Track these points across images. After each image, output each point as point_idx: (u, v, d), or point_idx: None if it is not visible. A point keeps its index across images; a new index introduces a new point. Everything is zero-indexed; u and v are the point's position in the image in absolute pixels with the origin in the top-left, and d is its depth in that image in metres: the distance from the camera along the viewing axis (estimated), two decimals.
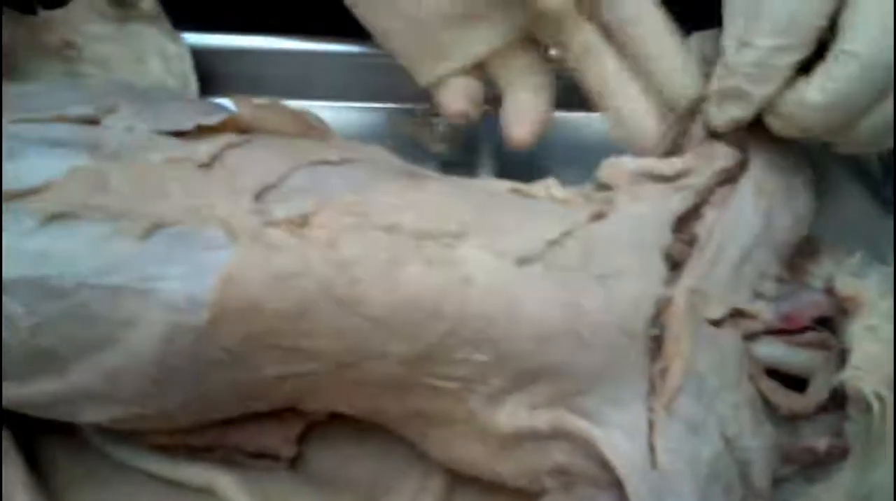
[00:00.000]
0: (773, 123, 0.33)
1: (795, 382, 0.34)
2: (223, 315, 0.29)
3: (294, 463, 0.36)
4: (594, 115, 0.38)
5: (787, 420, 0.34)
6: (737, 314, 0.33)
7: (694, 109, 0.35)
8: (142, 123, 0.32)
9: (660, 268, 0.31)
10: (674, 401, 0.31)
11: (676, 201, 0.34)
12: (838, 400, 0.33)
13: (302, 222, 0.29)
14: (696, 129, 0.36)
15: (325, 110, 0.46)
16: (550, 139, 0.42)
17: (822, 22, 0.30)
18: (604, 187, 0.36)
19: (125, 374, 0.30)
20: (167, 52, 0.44)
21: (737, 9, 0.32)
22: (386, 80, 0.46)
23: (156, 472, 0.35)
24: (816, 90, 0.30)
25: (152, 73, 0.44)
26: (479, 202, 0.31)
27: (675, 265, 0.33)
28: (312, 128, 0.34)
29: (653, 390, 0.31)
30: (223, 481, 0.34)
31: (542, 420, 0.31)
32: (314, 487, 0.35)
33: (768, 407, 0.33)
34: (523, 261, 0.30)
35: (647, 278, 0.31)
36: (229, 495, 0.34)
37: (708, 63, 0.35)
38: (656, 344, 0.32)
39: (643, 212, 0.33)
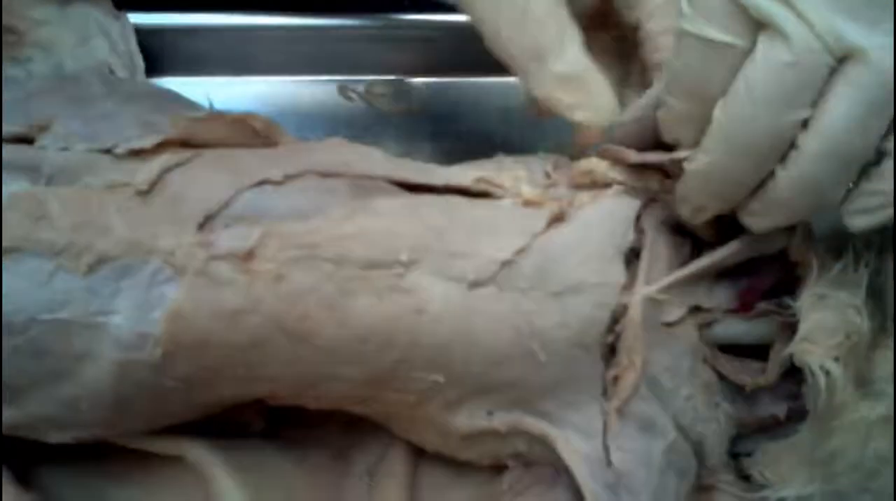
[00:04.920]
0: None
1: (760, 348, 0.34)
2: (174, 350, 0.29)
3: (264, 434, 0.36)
4: None
5: (748, 391, 0.34)
6: (694, 309, 0.33)
7: None
8: (77, 142, 0.31)
9: (618, 275, 0.31)
10: (626, 405, 0.31)
11: (637, 196, 0.33)
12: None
13: (248, 256, 0.29)
14: None
15: (274, 85, 0.46)
16: None
17: None
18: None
19: (83, 403, 0.30)
20: (111, 33, 0.43)
21: None
22: (334, 51, 0.46)
23: (128, 445, 0.34)
24: None
25: (97, 53, 0.42)
26: (431, 222, 0.30)
27: (637, 254, 0.32)
28: (256, 135, 0.33)
29: (607, 393, 0.32)
30: (195, 448, 0.33)
31: (500, 422, 0.32)
32: (286, 449, 0.35)
33: (726, 382, 0.34)
34: (476, 285, 0.30)
35: (603, 290, 0.30)
36: (202, 461, 0.34)
37: None
38: (611, 350, 0.32)
39: (604, 212, 0.32)
